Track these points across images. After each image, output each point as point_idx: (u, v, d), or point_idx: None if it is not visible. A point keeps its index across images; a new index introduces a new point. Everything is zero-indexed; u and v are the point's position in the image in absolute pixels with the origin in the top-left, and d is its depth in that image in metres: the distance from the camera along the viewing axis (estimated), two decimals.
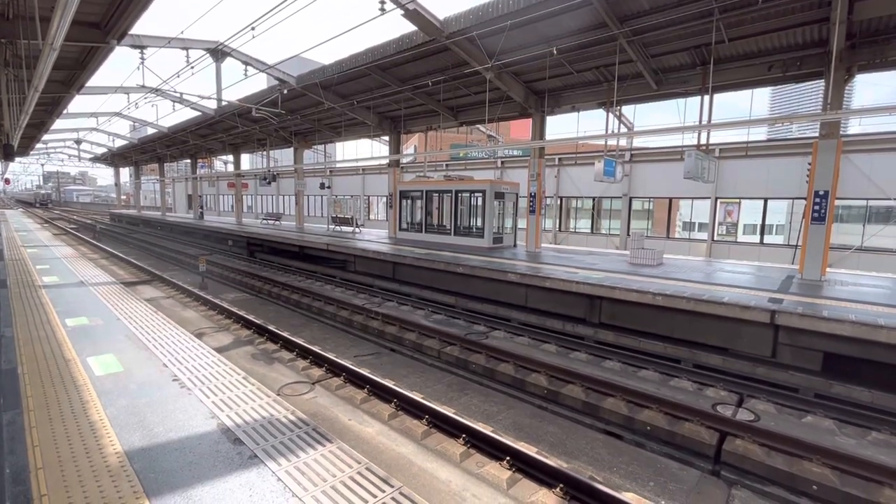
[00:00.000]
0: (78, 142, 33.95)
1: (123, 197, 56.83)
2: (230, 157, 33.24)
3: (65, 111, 18.39)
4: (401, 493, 2.66)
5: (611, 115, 12.98)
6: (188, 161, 36.74)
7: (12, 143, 12.67)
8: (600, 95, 12.56)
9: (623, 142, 19.99)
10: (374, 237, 19.04)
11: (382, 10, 9.09)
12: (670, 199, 19.20)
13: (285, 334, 8.13)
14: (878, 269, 13.30)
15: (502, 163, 24.54)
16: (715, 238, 17.72)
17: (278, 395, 4.40)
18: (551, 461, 4.27)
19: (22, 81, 9.56)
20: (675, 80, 11.39)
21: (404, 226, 18.20)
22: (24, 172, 75.82)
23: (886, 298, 7.70)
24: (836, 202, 10.01)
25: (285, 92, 16.17)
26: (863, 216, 15.07)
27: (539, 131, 13.83)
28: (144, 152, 36.46)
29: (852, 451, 4.61)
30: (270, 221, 28.81)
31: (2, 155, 12.34)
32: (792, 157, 15.62)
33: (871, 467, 4.29)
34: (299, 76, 15.63)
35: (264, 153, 28.09)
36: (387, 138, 20.56)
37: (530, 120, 14.04)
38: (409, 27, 10.97)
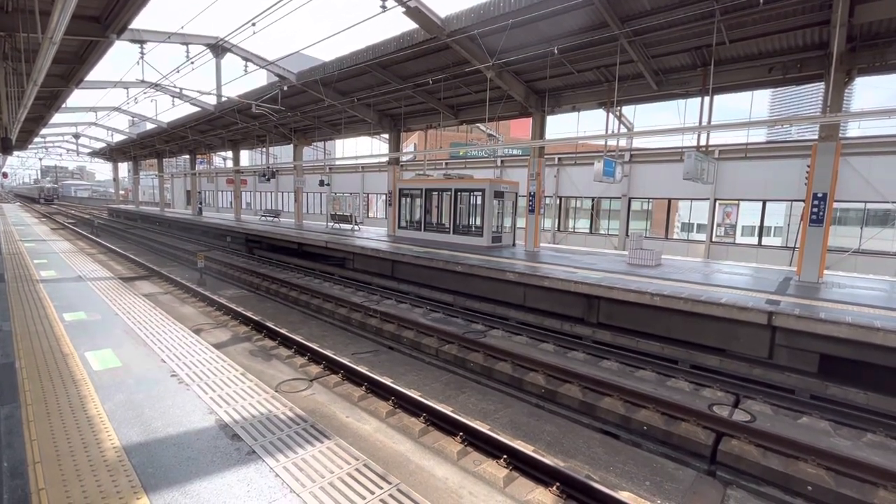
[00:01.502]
0: (76, 136, 33.79)
1: (122, 192, 56.65)
2: (229, 154, 33.15)
3: (63, 105, 18.31)
4: (398, 490, 2.67)
5: (611, 116, 13.00)
6: (187, 157, 36.64)
7: (10, 137, 12.61)
8: (601, 95, 12.56)
9: (623, 142, 20.01)
10: (373, 235, 19.03)
11: (384, 7, 9.06)
12: (669, 200, 19.23)
13: (283, 331, 8.13)
14: (875, 271, 13.35)
15: (502, 162, 24.54)
16: (713, 239, 17.77)
17: (276, 391, 4.41)
18: (548, 460, 4.29)
19: (21, 75, 9.52)
20: (675, 81, 11.40)
21: (403, 224, 18.19)
22: (22, 166, 75.41)
23: (883, 301, 7.74)
24: (835, 205, 10.03)
25: (285, 88, 16.14)
26: (861, 219, 15.11)
27: (539, 131, 13.83)
28: (143, 147, 36.33)
29: (847, 452, 4.64)
30: (269, 218, 28.77)
31: (0, 149, 12.29)
32: (791, 159, 15.65)
33: (866, 468, 4.31)
34: (299, 73, 15.59)
35: (264, 150, 28.05)
36: (387, 136, 20.54)
37: (530, 119, 14.04)
38: (409, 25, 10.96)
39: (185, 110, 23.33)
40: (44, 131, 28.04)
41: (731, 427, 5.07)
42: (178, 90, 16.69)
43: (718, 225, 18.13)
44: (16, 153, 41.07)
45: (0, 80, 9.96)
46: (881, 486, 4.17)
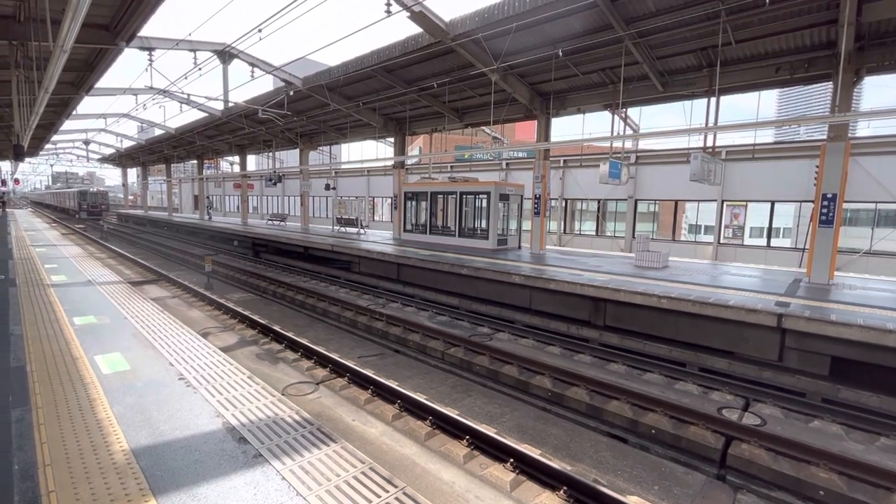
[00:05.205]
0: (86, 142, 34.28)
1: (131, 197, 57.35)
2: (236, 158, 33.46)
3: (74, 112, 18.59)
4: (404, 494, 2.66)
5: (616, 117, 12.96)
6: (195, 162, 37.01)
7: (22, 144, 12.81)
8: (606, 97, 12.53)
9: (628, 144, 19.91)
10: (378, 238, 19.07)
11: (388, 12, 9.13)
12: (676, 202, 19.10)
13: (290, 334, 8.16)
14: (886, 272, 13.16)
15: (507, 164, 24.53)
16: (721, 241, 17.61)
17: (283, 394, 4.43)
18: (555, 463, 4.26)
19: (32, 83, 9.68)
20: (681, 82, 11.34)
21: (409, 227, 18.22)
22: (34, 173, 76.40)
23: (895, 302, 7.62)
24: (844, 205, 9.91)
25: (291, 93, 16.26)
26: (871, 219, 14.92)
27: (544, 133, 13.81)
28: (152, 153, 36.76)
29: (860, 456, 4.57)
30: (276, 222, 28.94)
31: (12, 155, 12.49)
32: (799, 159, 15.50)
33: (879, 473, 4.24)
34: (305, 78, 15.71)
35: (270, 154, 28.26)
36: (392, 140, 20.62)
37: (535, 122, 14.04)
38: (414, 29, 11.01)
39: (192, 116, 23.57)
40: (55, 138, 28.44)
41: (740, 431, 5.01)
42: (185, 96, 16.89)
43: (726, 226, 17.97)
44: (27, 159, 41.69)
45: (13, 88, 10.14)
46: (895, 491, 4.10)
